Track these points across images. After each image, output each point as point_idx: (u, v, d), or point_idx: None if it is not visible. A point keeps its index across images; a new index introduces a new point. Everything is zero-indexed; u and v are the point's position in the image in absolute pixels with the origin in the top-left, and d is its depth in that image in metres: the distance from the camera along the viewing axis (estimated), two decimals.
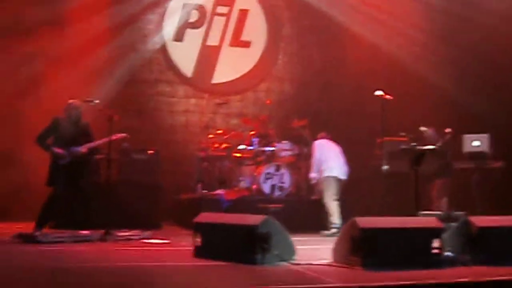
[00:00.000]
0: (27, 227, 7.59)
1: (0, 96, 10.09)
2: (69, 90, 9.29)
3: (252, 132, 10.44)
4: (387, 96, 8.29)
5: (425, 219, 6.31)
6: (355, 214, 6.02)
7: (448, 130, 9.05)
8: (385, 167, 8.18)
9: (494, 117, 10.19)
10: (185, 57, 12.31)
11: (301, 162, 10.17)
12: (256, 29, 12.77)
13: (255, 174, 9.84)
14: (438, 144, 8.70)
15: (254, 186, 9.81)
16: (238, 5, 12.68)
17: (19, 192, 9.86)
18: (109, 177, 7.97)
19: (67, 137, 7.57)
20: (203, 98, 12.25)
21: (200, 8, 12.43)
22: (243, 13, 12.71)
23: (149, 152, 9.91)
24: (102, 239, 7.29)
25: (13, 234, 7.21)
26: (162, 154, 10.15)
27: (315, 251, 6.64)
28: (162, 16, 12.17)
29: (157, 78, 12.17)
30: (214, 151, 10.46)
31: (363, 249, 5.28)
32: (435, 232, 5.55)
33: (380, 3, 12.07)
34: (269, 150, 10.15)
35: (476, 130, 9.56)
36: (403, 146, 7.92)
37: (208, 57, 12.43)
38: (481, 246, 5.59)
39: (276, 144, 10.19)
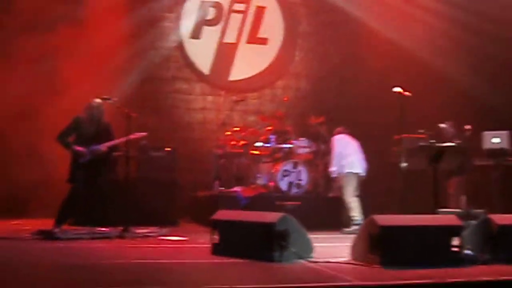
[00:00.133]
0: (45, 223, 7.66)
1: (20, 93, 10.14)
2: (87, 88, 9.33)
3: (269, 129, 10.43)
4: (406, 93, 8.22)
5: (445, 217, 6.27)
6: (373, 212, 6.00)
7: (467, 127, 8.94)
8: (404, 164, 8.11)
9: None
10: (202, 55, 12.30)
11: (319, 159, 10.14)
12: (273, 26, 12.74)
13: (273, 171, 9.82)
14: (457, 141, 8.61)
15: (271, 183, 9.79)
16: (255, 2, 12.66)
17: (38, 189, 9.93)
18: (127, 174, 8.00)
19: (88, 136, 7.64)
20: (220, 95, 12.28)
21: (217, 6, 12.42)
22: (260, 10, 12.68)
23: (167, 149, 9.96)
24: (120, 236, 7.33)
25: (33, 231, 7.29)
26: (179, 151, 10.19)
27: (333, 248, 6.63)
28: (179, 14, 12.19)
29: (174, 75, 12.18)
30: (231, 148, 10.44)
31: (381, 247, 5.26)
32: (454, 230, 5.50)
33: None
34: (286, 147, 10.12)
35: (496, 126, 9.42)
36: (422, 143, 7.85)
37: (225, 54, 12.42)
38: (501, 245, 5.54)
39: (293, 141, 10.16)
